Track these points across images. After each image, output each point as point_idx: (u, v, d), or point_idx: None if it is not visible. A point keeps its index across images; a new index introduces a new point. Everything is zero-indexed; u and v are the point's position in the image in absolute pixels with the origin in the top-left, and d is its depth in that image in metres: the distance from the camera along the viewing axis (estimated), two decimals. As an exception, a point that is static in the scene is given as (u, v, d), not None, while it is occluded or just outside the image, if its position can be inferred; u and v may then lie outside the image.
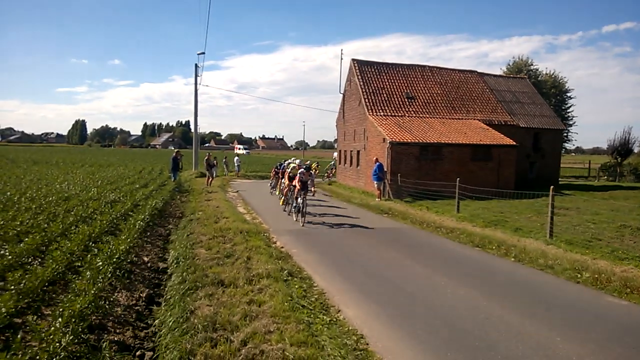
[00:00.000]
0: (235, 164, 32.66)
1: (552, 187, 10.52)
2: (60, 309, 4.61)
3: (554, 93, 45.03)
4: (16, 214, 9.45)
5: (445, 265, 8.33)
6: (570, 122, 46.77)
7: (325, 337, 4.76)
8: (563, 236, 10.33)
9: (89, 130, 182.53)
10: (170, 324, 5.06)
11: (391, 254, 9.18)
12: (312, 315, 5.47)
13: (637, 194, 23.28)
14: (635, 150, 43.09)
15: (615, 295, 6.63)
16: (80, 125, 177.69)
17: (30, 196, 12.50)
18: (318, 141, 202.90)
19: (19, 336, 4.04)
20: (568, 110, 46.74)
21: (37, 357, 3.78)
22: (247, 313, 5.18)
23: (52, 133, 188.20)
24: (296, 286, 6.58)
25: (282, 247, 9.45)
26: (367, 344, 4.80)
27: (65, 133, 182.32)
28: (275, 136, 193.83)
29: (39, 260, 6.73)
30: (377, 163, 19.27)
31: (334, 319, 5.48)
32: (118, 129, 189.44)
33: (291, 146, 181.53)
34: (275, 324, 4.91)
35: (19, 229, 8.09)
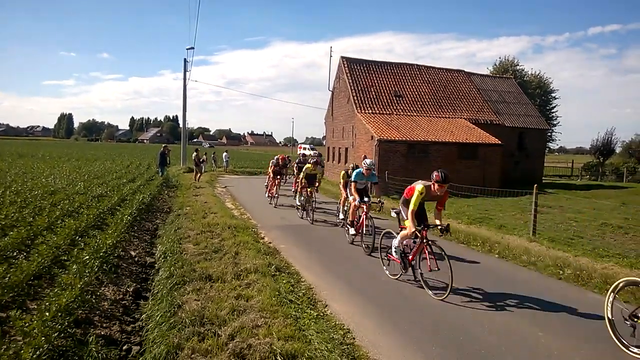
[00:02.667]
0: (224, 160, 32.55)
1: (535, 185, 10.70)
2: (46, 303, 4.60)
3: (538, 93, 45.69)
4: (1, 208, 9.34)
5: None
6: (555, 122, 47.55)
7: (313, 332, 4.80)
8: (546, 234, 10.54)
9: (76, 124, 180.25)
10: (158, 318, 5.06)
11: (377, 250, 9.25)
12: (299, 310, 5.51)
13: (618, 193, 23.74)
14: (617, 151, 44.02)
15: (597, 291, 6.78)
16: (66, 119, 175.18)
17: (15, 190, 12.35)
18: (307, 138, 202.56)
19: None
20: (552, 111, 47.49)
21: (22, 352, 3.77)
22: (234, 307, 5.21)
23: (38, 126, 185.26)
24: (284, 281, 6.62)
25: (270, 243, 9.48)
26: (354, 339, 4.86)
27: (51, 127, 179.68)
28: (264, 132, 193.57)
29: (25, 254, 6.67)
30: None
31: (321, 314, 5.53)
32: (105, 123, 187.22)
33: (280, 142, 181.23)
34: (263, 318, 4.94)
35: (3, 223, 8.00)
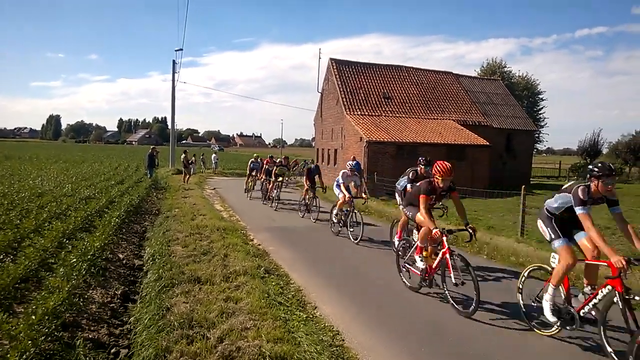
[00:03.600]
0: (213, 161, 32.45)
1: (523, 186, 10.82)
2: (33, 307, 4.55)
3: (526, 95, 46.18)
4: (-14, 211, 9.22)
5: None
6: (542, 124, 48.04)
7: (302, 334, 4.80)
8: (534, 234, 10.61)
9: (64, 125, 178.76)
10: (146, 321, 5.02)
11: (367, 252, 9.30)
12: (288, 312, 5.51)
13: (605, 194, 24.02)
14: (604, 152, 44.63)
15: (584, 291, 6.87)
16: (54, 121, 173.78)
17: (1, 192, 12.19)
18: (296, 139, 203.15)
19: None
20: (540, 112, 48.00)
21: (8, 356, 3.73)
22: (223, 310, 5.19)
23: (25, 128, 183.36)
24: (273, 283, 6.61)
25: (259, 245, 9.47)
26: (343, 340, 4.88)
27: (39, 128, 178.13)
28: (253, 134, 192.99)
29: (11, 257, 6.59)
30: (355, 161, 19.42)
31: (311, 316, 5.54)
32: (93, 124, 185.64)
33: (269, 144, 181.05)
34: (252, 320, 4.93)
35: (-11, 226, 7.90)
